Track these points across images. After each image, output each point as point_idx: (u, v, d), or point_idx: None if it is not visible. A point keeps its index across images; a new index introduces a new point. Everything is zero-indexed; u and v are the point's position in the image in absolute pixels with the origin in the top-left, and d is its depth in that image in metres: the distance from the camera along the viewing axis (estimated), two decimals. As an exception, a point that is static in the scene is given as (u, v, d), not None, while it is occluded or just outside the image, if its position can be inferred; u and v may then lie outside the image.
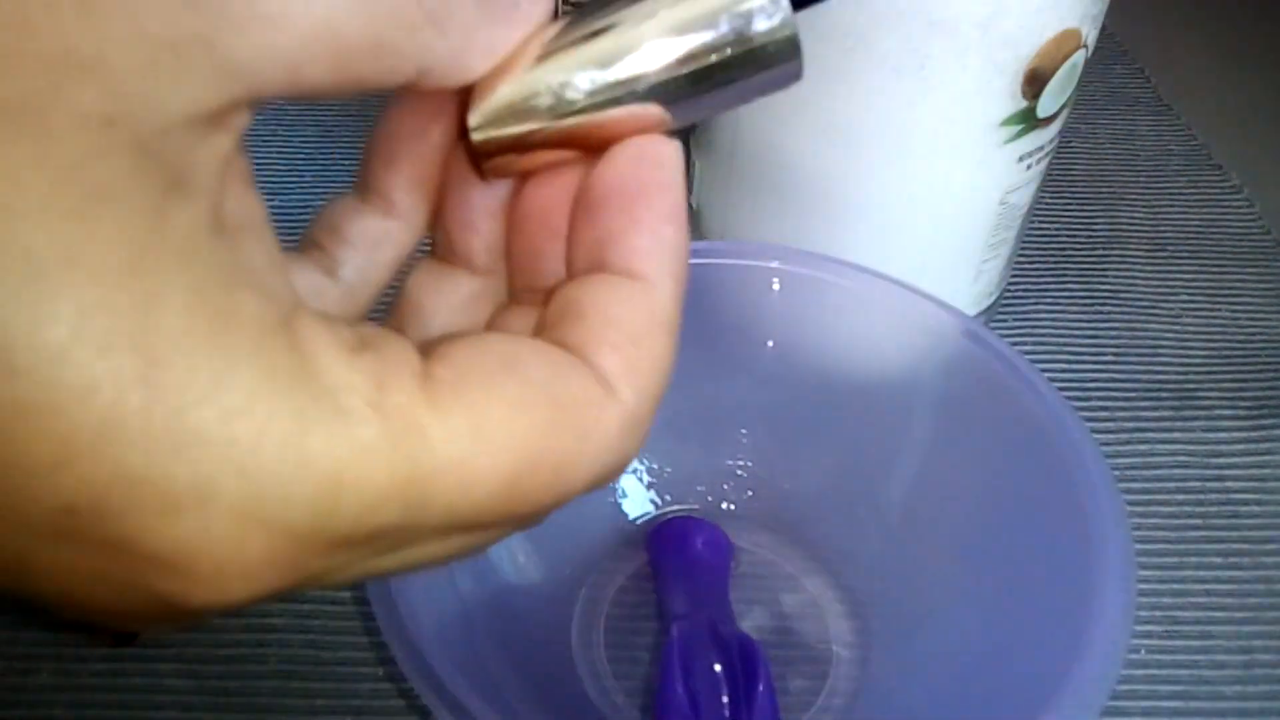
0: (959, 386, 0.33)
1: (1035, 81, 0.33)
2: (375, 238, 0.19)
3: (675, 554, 0.35)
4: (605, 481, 0.16)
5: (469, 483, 0.14)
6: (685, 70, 0.16)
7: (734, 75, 0.17)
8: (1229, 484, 0.39)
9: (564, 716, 0.31)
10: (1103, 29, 0.35)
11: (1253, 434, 0.40)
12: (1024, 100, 0.33)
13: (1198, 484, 0.39)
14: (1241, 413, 0.41)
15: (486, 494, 0.14)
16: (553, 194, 0.18)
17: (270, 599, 0.13)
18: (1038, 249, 0.49)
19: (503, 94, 0.16)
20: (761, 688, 0.30)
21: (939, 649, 0.31)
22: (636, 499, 0.36)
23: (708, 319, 0.36)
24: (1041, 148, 0.36)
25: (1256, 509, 0.38)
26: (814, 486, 0.36)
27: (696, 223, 0.41)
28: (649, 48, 0.16)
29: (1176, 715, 0.32)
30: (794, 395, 0.36)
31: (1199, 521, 0.38)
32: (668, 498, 0.37)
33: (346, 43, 0.14)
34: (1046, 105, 0.34)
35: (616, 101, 0.16)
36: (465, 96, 0.17)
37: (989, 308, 0.41)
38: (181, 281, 0.12)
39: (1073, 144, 0.55)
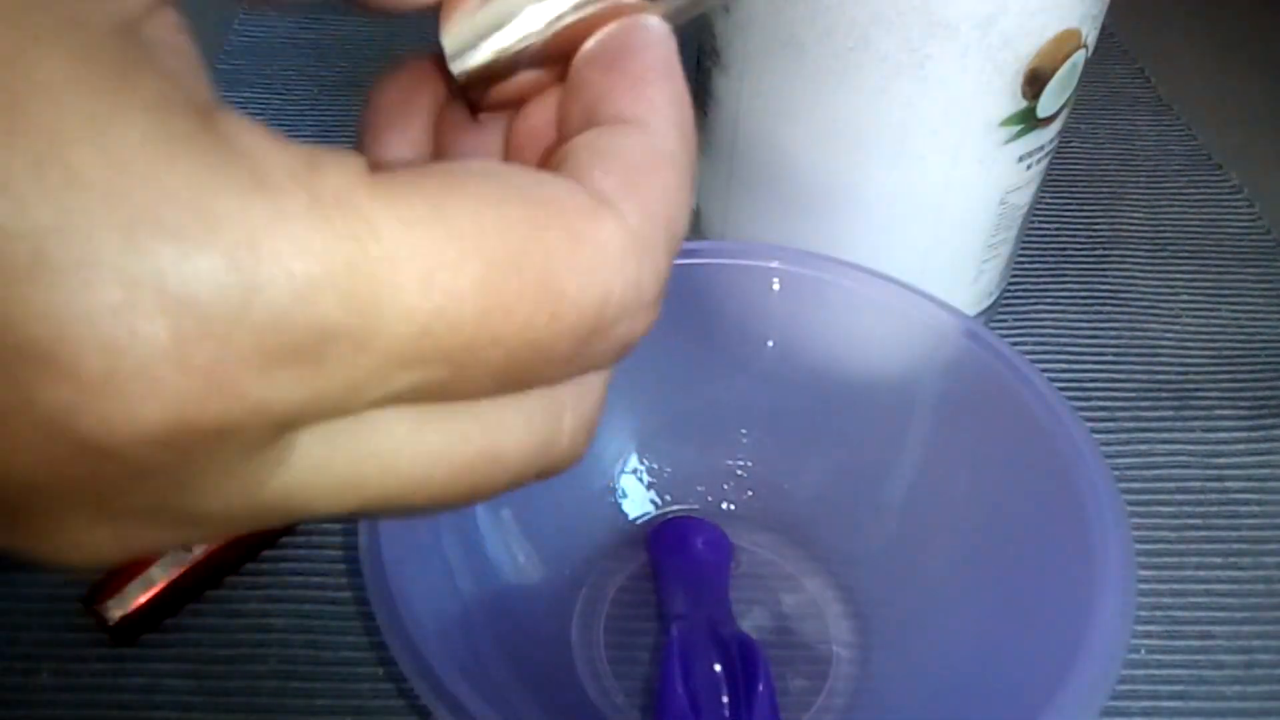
0: (959, 386, 0.33)
1: (1035, 81, 0.33)
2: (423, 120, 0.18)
3: (675, 554, 0.35)
4: (613, 317, 0.13)
5: (430, 280, 0.11)
6: None
7: None
8: (1229, 484, 0.39)
9: (564, 716, 0.30)
10: (1103, 29, 0.35)
11: (1253, 434, 0.40)
12: (1024, 100, 0.33)
13: (1198, 484, 0.39)
14: (1241, 413, 0.41)
15: (456, 297, 0.11)
16: (543, 113, 0.17)
17: (208, 442, 0.11)
18: (1038, 249, 0.49)
19: (473, 18, 0.16)
20: (761, 688, 0.30)
21: (939, 649, 0.31)
22: (636, 499, 0.36)
23: (708, 319, 0.36)
24: (1041, 148, 0.36)
25: (1256, 509, 0.38)
26: (814, 486, 0.36)
27: (696, 223, 0.41)
28: None
29: (1176, 715, 0.32)
30: (794, 395, 0.36)
31: (1199, 521, 0.38)
32: (668, 498, 0.37)
33: None
34: (1046, 105, 0.34)
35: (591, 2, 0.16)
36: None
37: (989, 308, 0.41)
38: (65, 41, 0.10)
39: (1073, 144, 0.55)
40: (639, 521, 0.36)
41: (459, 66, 0.16)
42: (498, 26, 0.16)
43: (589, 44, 0.16)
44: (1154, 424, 0.41)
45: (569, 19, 0.16)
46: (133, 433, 0.10)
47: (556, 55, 0.16)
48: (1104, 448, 0.36)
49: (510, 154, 0.17)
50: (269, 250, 0.10)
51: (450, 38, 0.16)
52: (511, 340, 0.12)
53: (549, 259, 0.12)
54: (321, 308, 0.10)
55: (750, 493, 0.37)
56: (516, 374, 0.13)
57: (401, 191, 0.11)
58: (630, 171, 0.14)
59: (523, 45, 0.16)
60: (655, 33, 0.16)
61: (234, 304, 0.10)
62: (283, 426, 0.11)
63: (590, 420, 0.15)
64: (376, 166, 0.12)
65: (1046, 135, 0.35)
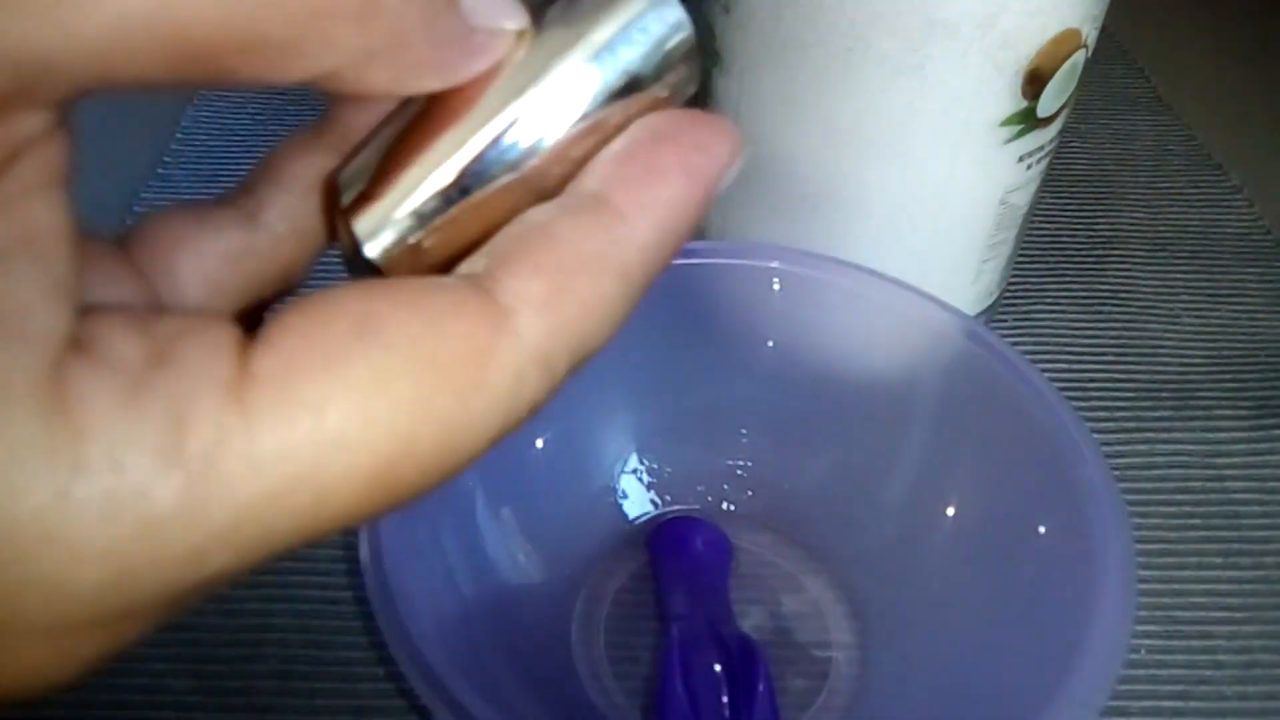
0: (959, 386, 0.33)
1: (1035, 81, 0.33)
2: (312, 180, 0.16)
3: (675, 554, 0.35)
4: (509, 432, 0.13)
5: (321, 496, 0.11)
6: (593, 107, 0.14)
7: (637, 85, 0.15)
8: (1229, 484, 0.39)
9: (564, 716, 0.30)
10: (1103, 29, 0.35)
11: (1253, 434, 0.40)
12: (1024, 100, 0.33)
13: (1198, 484, 0.39)
14: (1241, 413, 0.41)
15: (350, 497, 0.12)
16: None
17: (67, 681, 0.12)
18: (1038, 249, 0.49)
19: (399, 193, 0.14)
20: (761, 688, 0.30)
21: (939, 649, 0.31)
22: (636, 499, 0.36)
23: (708, 319, 0.36)
24: (1041, 148, 0.36)
25: (1256, 509, 0.38)
26: (814, 486, 0.36)
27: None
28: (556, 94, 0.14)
29: (1176, 715, 0.32)
30: (794, 395, 0.36)
31: (1199, 521, 0.38)
32: (668, 498, 0.37)
33: (193, 33, 0.11)
34: (1046, 105, 0.34)
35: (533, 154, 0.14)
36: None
37: (989, 308, 0.41)
38: None
39: (1073, 144, 0.55)
40: (639, 521, 0.36)
41: (375, 252, 0.14)
42: (422, 208, 0.14)
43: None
44: (1154, 424, 0.41)
45: (506, 179, 0.14)
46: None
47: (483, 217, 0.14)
48: (1104, 448, 0.36)
49: None
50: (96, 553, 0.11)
51: (364, 220, 0.14)
52: (407, 494, 0.12)
53: (444, 427, 0.12)
54: (196, 573, 0.11)
55: (750, 493, 0.37)
56: (415, 496, 0.13)
57: (271, 408, 0.11)
58: (564, 274, 0.13)
59: (450, 218, 0.14)
60: (721, 139, 0.14)
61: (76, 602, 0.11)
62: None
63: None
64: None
65: (1046, 135, 0.35)
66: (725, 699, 0.30)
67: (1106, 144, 0.56)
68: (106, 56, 0.10)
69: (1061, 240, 0.50)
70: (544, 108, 0.14)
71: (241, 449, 0.11)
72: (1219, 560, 0.36)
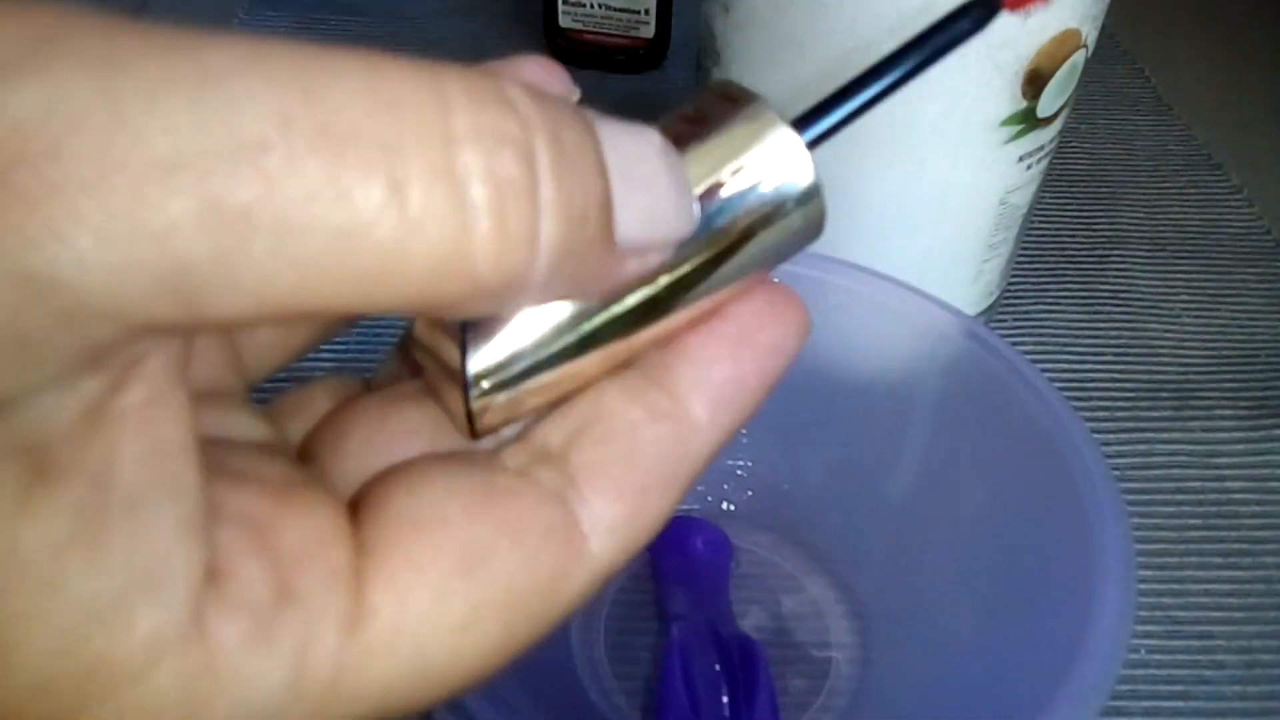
0: (959, 386, 0.33)
1: (1035, 81, 0.33)
2: None
3: (675, 554, 0.35)
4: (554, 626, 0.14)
5: (415, 703, 0.13)
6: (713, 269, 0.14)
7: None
8: (1229, 484, 0.39)
9: (564, 716, 0.30)
10: (1103, 29, 0.35)
11: (1253, 434, 0.40)
12: (1024, 100, 0.33)
13: (1198, 484, 0.39)
14: (1241, 413, 0.41)
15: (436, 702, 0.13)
16: None
17: None
18: (1038, 249, 0.49)
19: (507, 341, 0.13)
20: (761, 688, 0.30)
21: (939, 649, 0.31)
22: (636, 499, 0.36)
23: (708, 319, 0.36)
24: (1041, 148, 0.36)
25: (1256, 509, 0.38)
26: (814, 486, 0.36)
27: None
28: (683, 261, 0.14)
29: (1176, 715, 0.32)
30: (794, 395, 0.36)
31: (1199, 521, 0.38)
32: (668, 498, 0.37)
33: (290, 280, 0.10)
34: (1046, 105, 0.34)
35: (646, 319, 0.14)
36: None
37: (989, 308, 0.41)
38: (36, 615, 0.10)
39: (1073, 144, 0.55)
40: (639, 521, 0.36)
41: (481, 401, 0.14)
42: (529, 358, 0.14)
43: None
44: (1154, 424, 0.41)
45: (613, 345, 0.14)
46: None
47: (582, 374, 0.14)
48: (1104, 448, 0.36)
49: None
50: None
51: (478, 356, 0.14)
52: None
53: (514, 651, 0.13)
54: None
55: (750, 493, 0.37)
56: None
57: (388, 646, 0.12)
58: (642, 497, 0.14)
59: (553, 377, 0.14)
60: (796, 334, 0.15)
61: None
62: None
63: None
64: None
65: (1046, 135, 0.35)
66: (725, 699, 0.30)
67: (1106, 144, 0.56)
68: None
69: (1061, 240, 0.50)
70: (668, 288, 0.14)
71: (355, 677, 0.12)
72: (1219, 560, 0.36)
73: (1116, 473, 0.38)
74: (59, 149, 0.09)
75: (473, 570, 0.13)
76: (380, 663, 0.12)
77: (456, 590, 0.13)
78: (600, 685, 0.32)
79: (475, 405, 0.14)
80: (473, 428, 0.14)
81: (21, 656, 0.10)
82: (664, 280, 0.14)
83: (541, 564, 0.13)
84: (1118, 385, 0.43)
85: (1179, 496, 0.38)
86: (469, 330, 0.13)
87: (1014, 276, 0.45)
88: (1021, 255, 0.45)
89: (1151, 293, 0.47)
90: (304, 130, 0.10)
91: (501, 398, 0.14)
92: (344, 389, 0.17)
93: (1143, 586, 0.35)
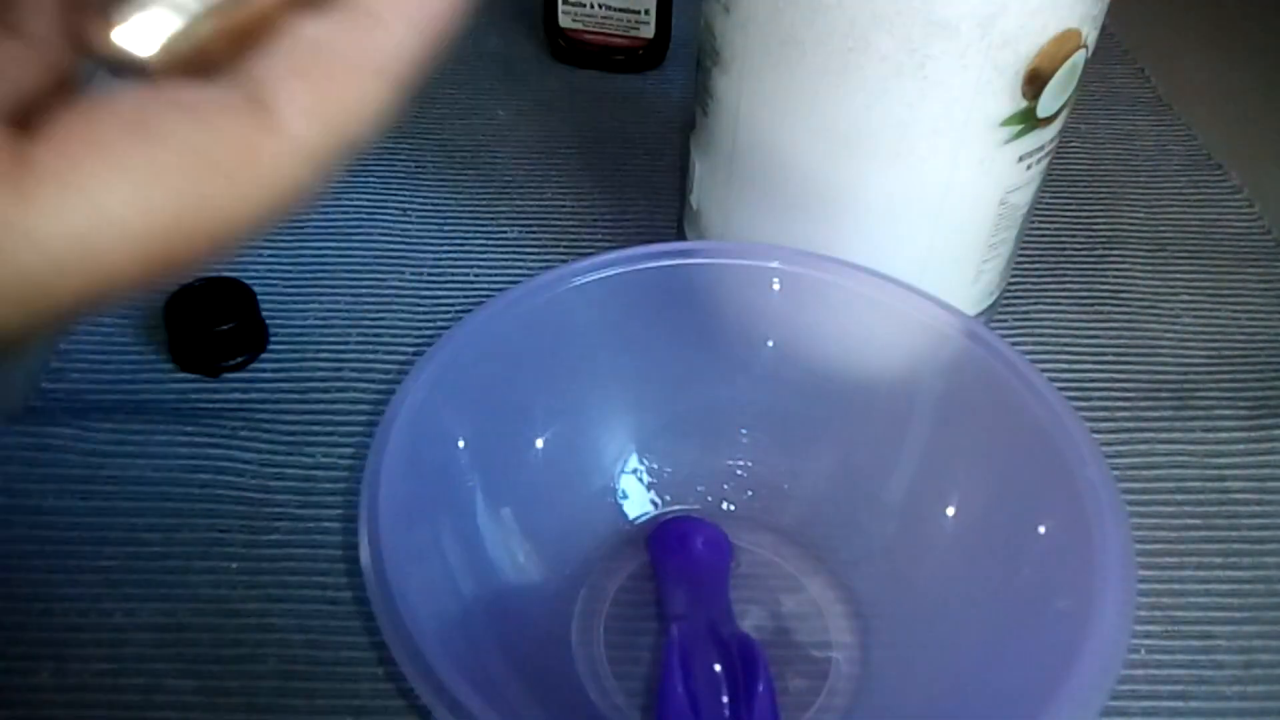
0: (959, 386, 0.33)
1: (1035, 81, 0.33)
2: None
3: (675, 554, 0.35)
4: (282, 214, 0.15)
5: (99, 268, 0.13)
6: None
7: None
8: (1229, 484, 0.39)
9: (564, 716, 0.31)
10: (1103, 29, 0.35)
11: (1253, 434, 0.40)
12: (1024, 100, 0.33)
13: (1198, 484, 0.39)
14: (1241, 413, 0.41)
15: (127, 269, 0.13)
16: None
17: None
18: (1038, 249, 0.49)
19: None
20: (761, 688, 0.30)
21: (939, 649, 0.31)
22: (636, 499, 0.36)
23: (708, 319, 0.36)
24: (1041, 148, 0.36)
25: (1256, 509, 0.38)
26: (814, 486, 0.36)
27: (696, 222, 0.41)
28: None
29: (1176, 715, 0.32)
30: (794, 395, 0.36)
31: (1199, 521, 0.38)
32: (668, 498, 0.37)
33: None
34: (1046, 105, 0.34)
35: None
36: None
37: (989, 308, 0.41)
38: None
39: (1073, 144, 0.55)
40: (639, 521, 0.36)
41: (140, 49, 0.14)
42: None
43: None
44: (1154, 424, 0.41)
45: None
46: None
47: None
48: (1104, 448, 0.36)
49: None
50: None
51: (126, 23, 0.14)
52: (184, 260, 0.14)
53: (213, 209, 0.14)
54: None
55: (750, 493, 0.37)
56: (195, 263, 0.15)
57: (52, 192, 0.13)
58: (328, 80, 0.14)
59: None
60: None
61: None
62: None
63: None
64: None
65: (1046, 135, 0.35)
66: (725, 699, 0.30)
67: (1106, 144, 0.56)
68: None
69: (1061, 240, 0.50)
70: None
71: (21, 230, 0.12)
72: (1219, 560, 0.36)
73: (1116, 473, 0.38)
74: None
75: (143, 132, 0.13)
76: (49, 216, 0.12)
77: (130, 148, 0.13)
78: (600, 685, 0.32)
79: (122, 35, 0.14)
80: (127, 65, 0.14)
81: None
82: None
83: (224, 129, 0.14)
84: (1118, 385, 0.43)
85: (1179, 496, 0.38)
86: None
87: (1014, 276, 0.45)
88: (1021, 255, 0.45)
89: (1151, 293, 0.47)
90: None
91: (154, 31, 0.14)
92: None
93: (1143, 586, 0.35)
